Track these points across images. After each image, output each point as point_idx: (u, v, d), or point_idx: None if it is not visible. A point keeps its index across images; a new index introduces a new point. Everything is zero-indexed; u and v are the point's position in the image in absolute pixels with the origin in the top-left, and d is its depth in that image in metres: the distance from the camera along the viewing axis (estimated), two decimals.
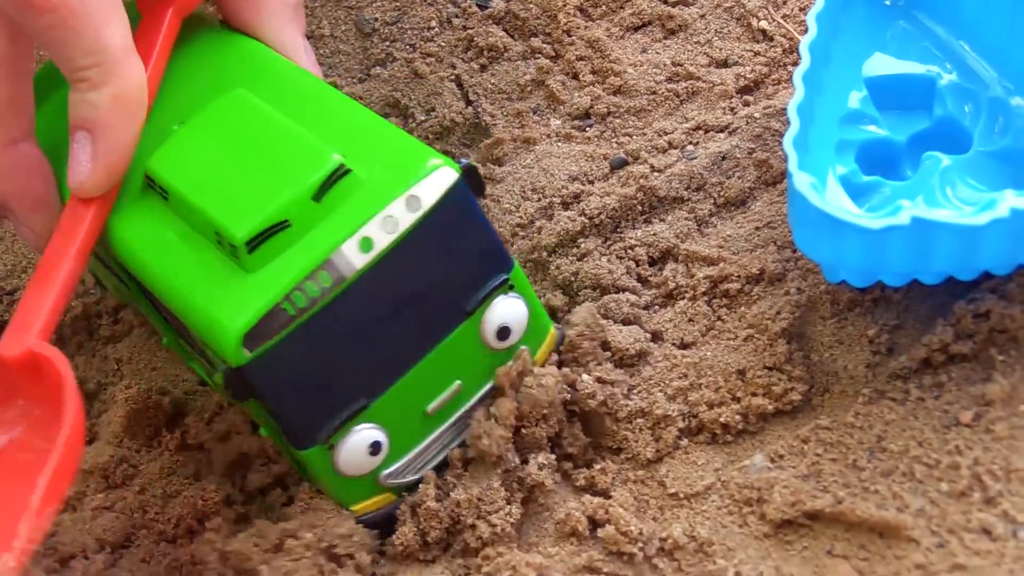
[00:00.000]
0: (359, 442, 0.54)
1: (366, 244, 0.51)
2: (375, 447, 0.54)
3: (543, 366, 0.58)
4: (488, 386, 0.57)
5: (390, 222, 0.52)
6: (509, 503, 0.56)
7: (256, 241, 0.51)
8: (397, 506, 0.56)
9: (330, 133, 0.55)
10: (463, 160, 0.54)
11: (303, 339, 0.51)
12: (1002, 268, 0.57)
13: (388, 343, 0.53)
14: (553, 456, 0.57)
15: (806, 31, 0.62)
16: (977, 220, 0.52)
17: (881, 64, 0.65)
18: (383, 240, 0.52)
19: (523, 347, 0.57)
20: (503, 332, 0.56)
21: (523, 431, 0.56)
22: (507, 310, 0.56)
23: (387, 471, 0.56)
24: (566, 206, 0.68)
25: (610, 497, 0.57)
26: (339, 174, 0.52)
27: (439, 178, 0.53)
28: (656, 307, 0.64)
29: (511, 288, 0.56)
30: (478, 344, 0.56)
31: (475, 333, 0.56)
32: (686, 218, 0.66)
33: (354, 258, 0.51)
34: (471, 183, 0.54)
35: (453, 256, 0.54)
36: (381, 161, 0.53)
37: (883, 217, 0.53)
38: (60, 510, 0.51)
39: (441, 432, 0.57)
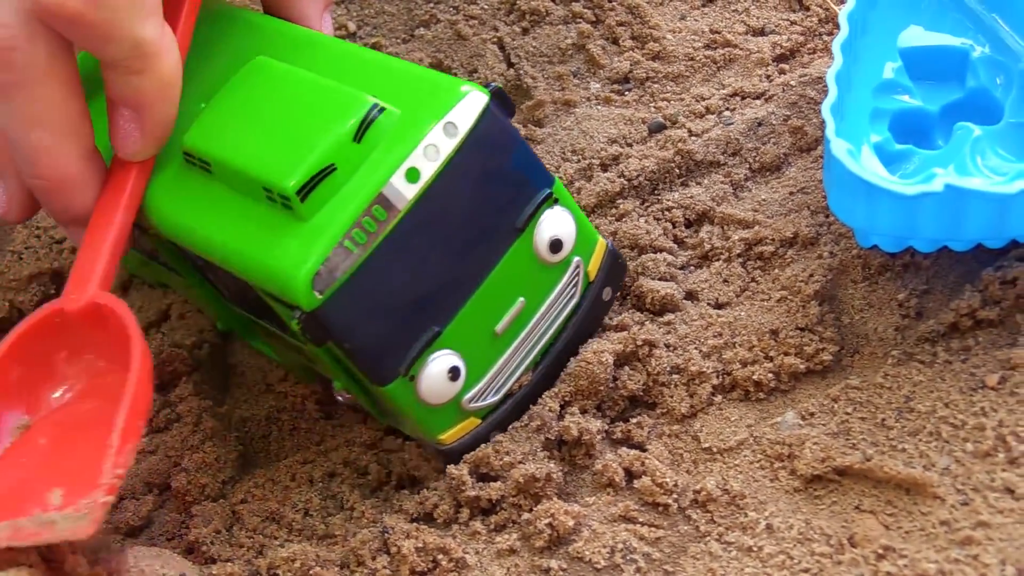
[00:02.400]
0: (438, 369, 0.56)
1: (413, 174, 0.53)
2: (454, 372, 0.57)
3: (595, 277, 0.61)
4: (551, 298, 0.60)
5: (432, 150, 0.53)
6: (550, 459, 0.58)
7: (306, 189, 0.53)
8: (485, 430, 0.59)
9: (357, 80, 0.56)
10: (491, 84, 0.56)
11: (369, 275, 0.53)
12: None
13: (449, 269, 0.56)
14: (597, 422, 0.59)
15: (844, 1, 0.64)
16: (1009, 189, 0.54)
17: (916, 35, 0.67)
18: (428, 169, 0.53)
19: (576, 258, 0.60)
20: (555, 245, 0.58)
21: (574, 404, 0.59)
22: (556, 223, 0.58)
23: (468, 395, 0.58)
24: (605, 168, 0.70)
25: (646, 450, 0.59)
26: (375, 113, 0.54)
27: (471, 102, 0.55)
28: (692, 267, 0.65)
29: (556, 202, 0.58)
30: (533, 259, 0.58)
31: (529, 249, 0.58)
32: (722, 182, 0.68)
33: (404, 189, 0.53)
34: (501, 104, 0.56)
35: (496, 176, 0.56)
36: (412, 96, 0.55)
37: (917, 184, 0.55)
38: (138, 449, 0.53)
39: (513, 350, 0.59)
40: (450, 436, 0.59)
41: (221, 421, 0.65)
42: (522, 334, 0.59)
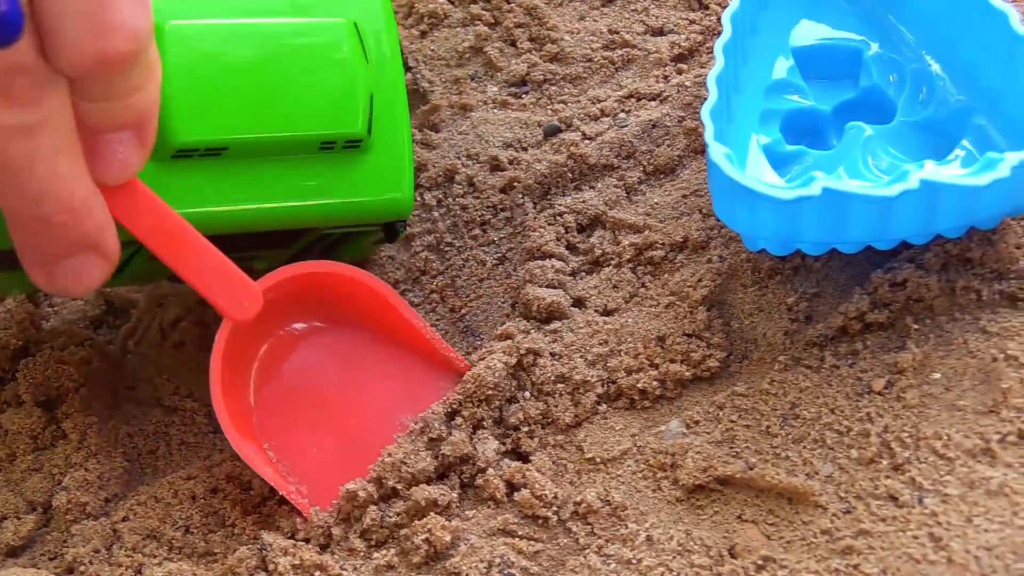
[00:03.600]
0: None
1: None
2: None
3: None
4: None
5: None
6: (440, 475, 0.57)
7: (369, 125, 0.56)
8: None
9: (277, 7, 0.57)
10: None
11: None
12: (918, 238, 0.58)
13: None
14: (493, 442, 0.59)
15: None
16: (888, 191, 0.53)
17: (808, 34, 0.66)
18: None
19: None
20: None
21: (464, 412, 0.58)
22: None
23: None
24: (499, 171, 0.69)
25: (529, 461, 0.58)
26: (355, 30, 0.56)
27: None
28: (583, 273, 0.64)
29: None
30: None
31: None
32: (615, 185, 0.67)
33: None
34: None
35: None
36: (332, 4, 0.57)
37: (795, 188, 0.54)
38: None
39: None
40: None
41: (107, 438, 0.64)
42: None
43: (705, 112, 0.57)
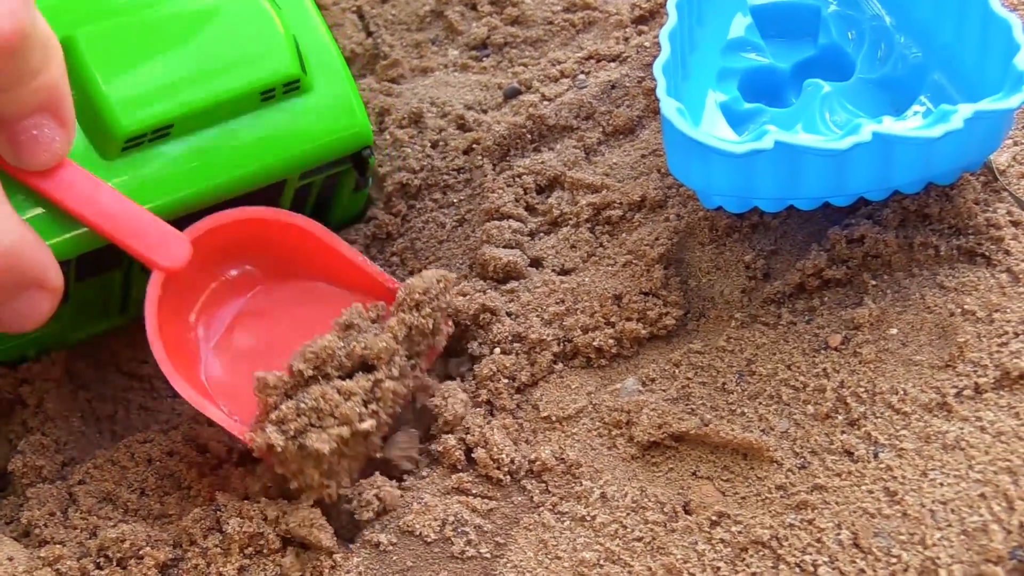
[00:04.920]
0: None
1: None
2: None
3: None
4: None
5: None
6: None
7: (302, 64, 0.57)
8: None
9: None
10: None
11: None
12: (875, 193, 0.57)
13: None
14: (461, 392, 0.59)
15: None
16: (840, 144, 0.53)
17: None
18: None
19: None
20: None
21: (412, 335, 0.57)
22: None
23: None
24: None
25: (493, 416, 0.58)
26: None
27: None
28: (541, 234, 0.64)
29: None
30: None
31: None
32: (574, 146, 0.66)
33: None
34: None
35: None
36: None
37: (748, 142, 0.53)
38: None
39: None
40: None
41: (64, 403, 0.63)
42: None
43: (657, 67, 0.56)
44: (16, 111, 0.50)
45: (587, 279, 0.61)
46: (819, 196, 0.57)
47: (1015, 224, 0.58)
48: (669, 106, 0.55)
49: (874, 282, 0.57)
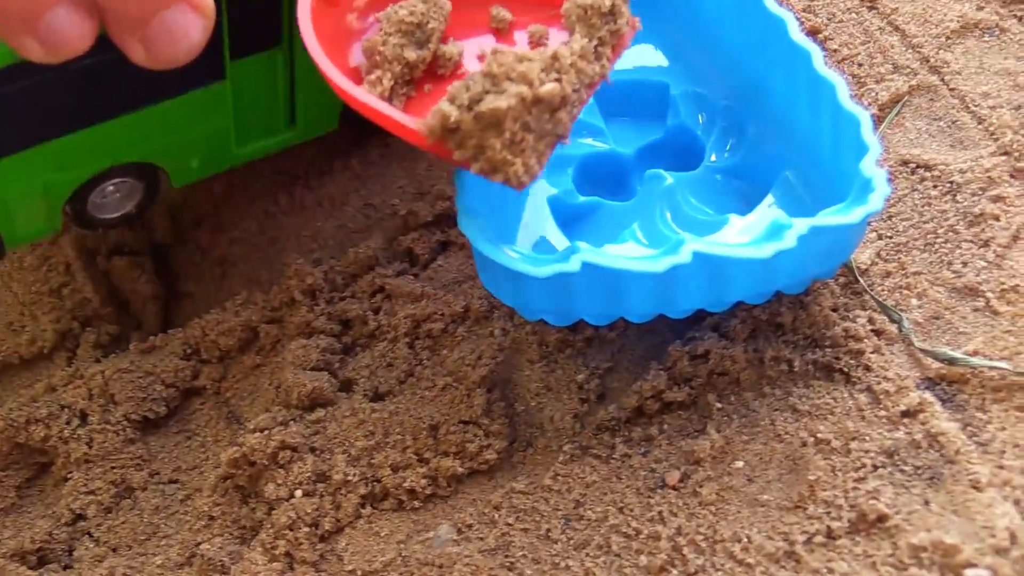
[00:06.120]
0: None
1: None
2: None
3: None
4: None
5: None
6: None
7: None
8: None
9: None
10: None
11: None
12: (715, 307, 0.51)
13: None
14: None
15: None
16: (656, 267, 0.46)
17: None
18: None
19: None
20: None
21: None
22: None
23: None
24: None
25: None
26: None
27: None
28: (357, 350, 0.57)
29: None
30: None
31: None
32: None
33: None
34: None
35: None
36: None
37: (552, 263, 0.47)
38: None
39: None
40: None
41: None
42: None
43: (458, 173, 0.50)
44: (149, 6, 0.44)
45: (402, 406, 0.54)
46: (647, 312, 0.50)
47: (877, 333, 0.52)
48: (466, 221, 0.48)
49: (719, 405, 0.51)
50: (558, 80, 0.45)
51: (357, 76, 0.50)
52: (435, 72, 0.50)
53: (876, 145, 0.48)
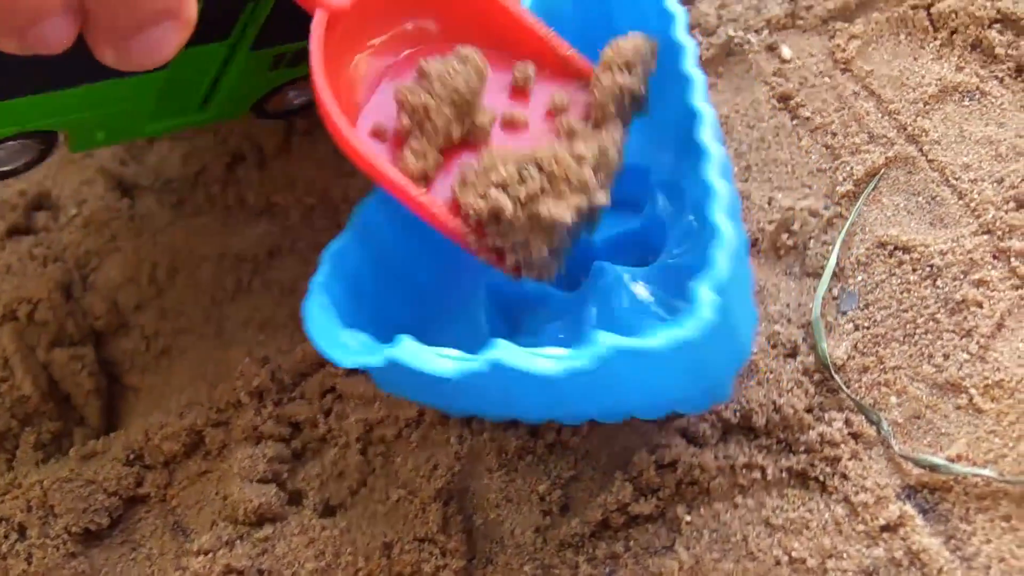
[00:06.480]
0: None
1: None
2: None
3: None
4: None
5: None
6: None
7: None
8: None
9: None
10: None
11: None
12: (646, 412, 0.48)
13: None
14: None
15: None
16: (448, 368, 0.41)
17: None
18: None
19: None
20: None
21: None
22: None
23: None
24: None
25: None
26: None
27: None
28: (308, 457, 0.54)
29: None
30: None
31: None
32: None
33: None
34: None
35: None
36: None
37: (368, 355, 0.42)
38: None
39: None
40: None
41: None
42: None
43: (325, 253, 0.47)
44: (138, 19, 0.42)
45: (354, 522, 0.51)
46: (551, 416, 0.47)
47: (855, 437, 0.49)
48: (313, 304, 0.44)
49: (688, 518, 0.48)
50: (605, 187, 0.44)
51: (354, 112, 0.47)
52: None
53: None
